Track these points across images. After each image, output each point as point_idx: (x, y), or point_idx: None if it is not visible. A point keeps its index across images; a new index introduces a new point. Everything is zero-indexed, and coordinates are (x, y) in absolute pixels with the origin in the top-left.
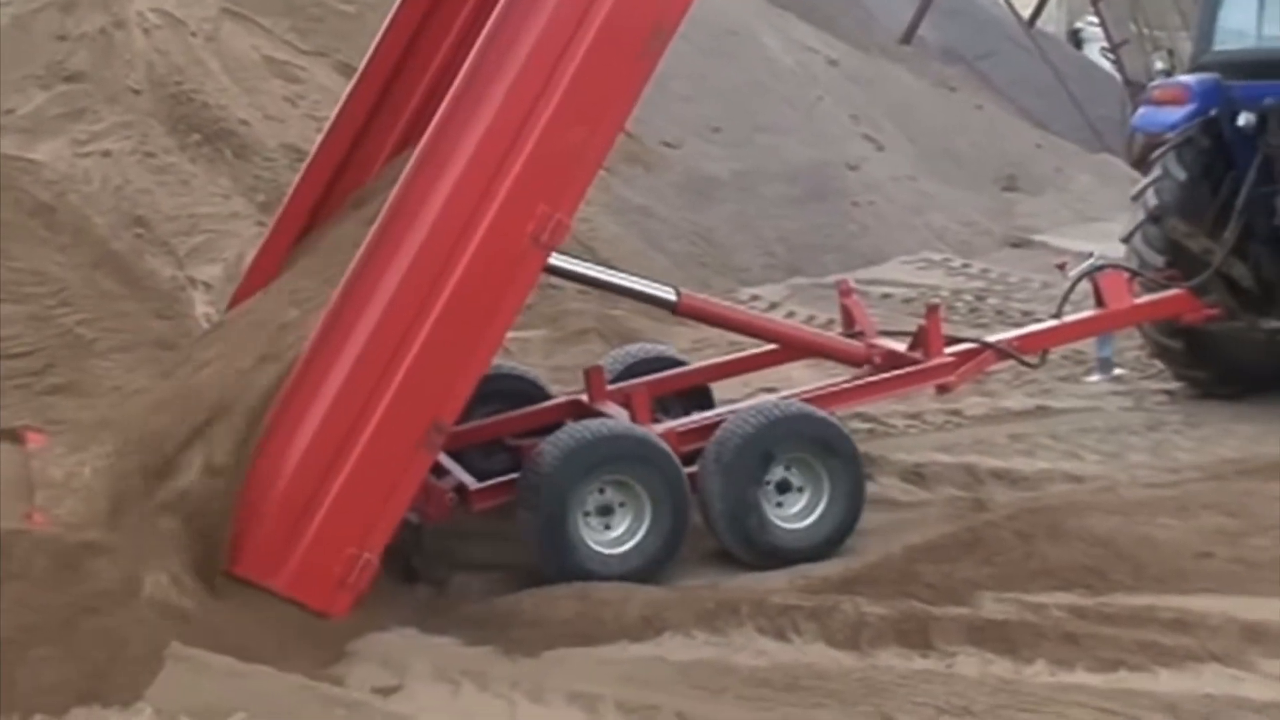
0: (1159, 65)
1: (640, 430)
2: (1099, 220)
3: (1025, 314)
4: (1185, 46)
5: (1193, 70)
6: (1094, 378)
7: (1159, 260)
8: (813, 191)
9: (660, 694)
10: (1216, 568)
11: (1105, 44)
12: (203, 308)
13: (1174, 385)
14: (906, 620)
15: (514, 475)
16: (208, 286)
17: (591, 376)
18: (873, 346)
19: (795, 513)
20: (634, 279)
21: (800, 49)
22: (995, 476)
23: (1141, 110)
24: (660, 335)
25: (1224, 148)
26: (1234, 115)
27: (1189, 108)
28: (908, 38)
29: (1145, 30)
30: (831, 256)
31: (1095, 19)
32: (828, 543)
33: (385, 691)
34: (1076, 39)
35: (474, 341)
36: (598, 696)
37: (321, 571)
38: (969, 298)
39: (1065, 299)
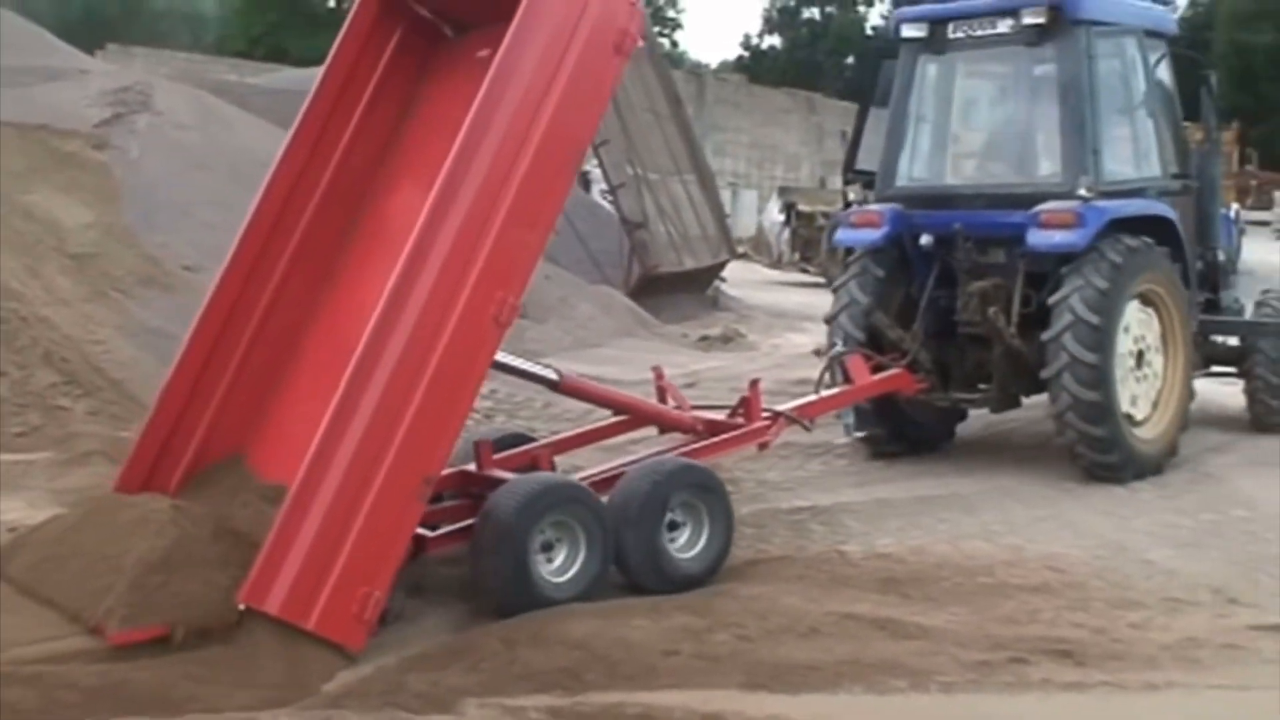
0: (852, 196)
1: (575, 480)
2: (598, 346)
3: (529, 430)
4: (676, 189)
5: (879, 201)
6: (844, 439)
7: (839, 344)
8: None
9: None
10: (681, 664)
11: (605, 186)
12: None
13: None
14: None
15: (465, 524)
16: None
17: (480, 448)
18: (696, 418)
19: (684, 543)
20: (522, 360)
21: None
22: None
23: (840, 231)
24: None
25: (905, 261)
26: (915, 236)
27: (883, 230)
28: None
29: (640, 172)
30: None
31: (598, 163)
32: (712, 566)
33: None
34: (585, 180)
35: (452, 409)
36: None
37: (344, 610)
38: (479, 415)
39: (821, 379)
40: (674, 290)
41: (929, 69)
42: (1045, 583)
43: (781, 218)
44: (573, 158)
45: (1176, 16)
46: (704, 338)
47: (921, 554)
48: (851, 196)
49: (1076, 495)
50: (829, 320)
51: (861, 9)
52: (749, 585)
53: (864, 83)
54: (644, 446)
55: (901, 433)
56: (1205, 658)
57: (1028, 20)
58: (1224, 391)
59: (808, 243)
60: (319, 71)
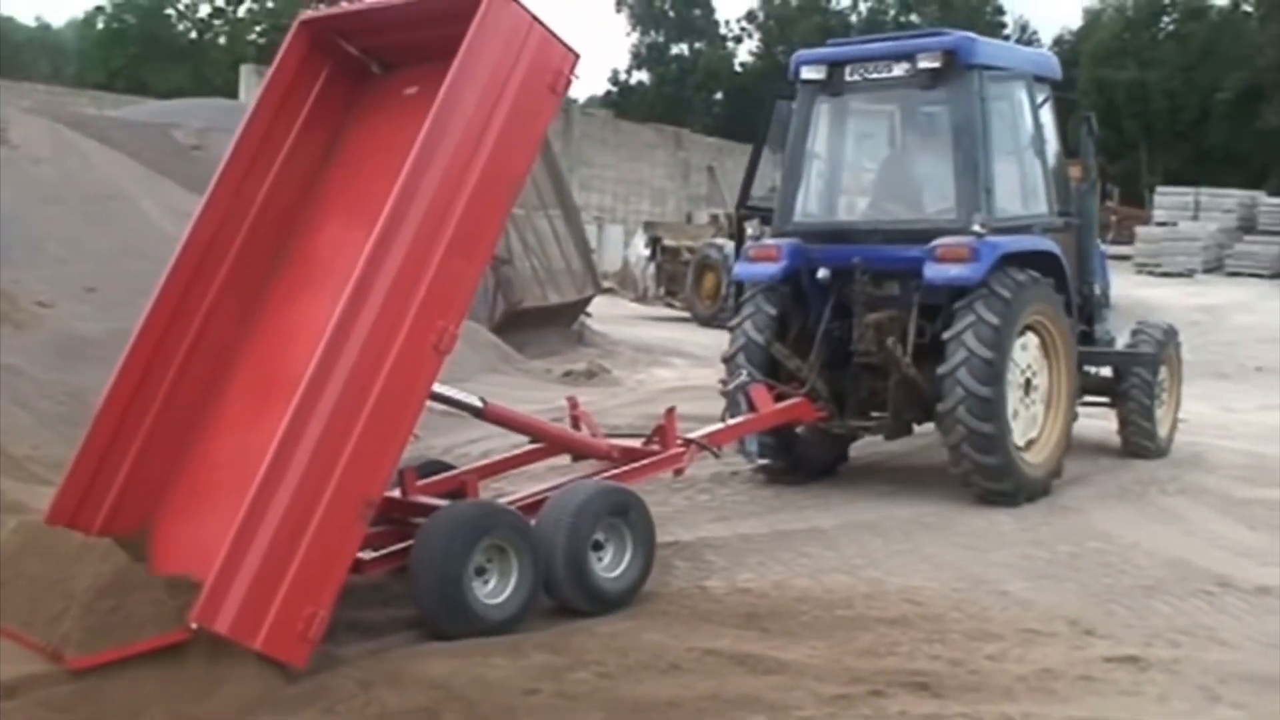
0: (750, 231)
1: (508, 505)
2: (464, 381)
3: None
4: (541, 224)
5: (777, 236)
6: (748, 466)
7: (758, 373)
8: None
9: None
10: (541, 702)
11: None
12: None
13: None
14: None
15: (403, 545)
16: None
17: (406, 475)
18: (613, 445)
19: (608, 564)
20: (448, 388)
21: (178, 215)
22: (348, 628)
23: (740, 265)
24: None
25: (801, 293)
26: (812, 270)
27: (782, 263)
28: None
29: None
30: None
31: None
32: (634, 586)
33: None
34: None
35: (392, 435)
36: None
37: (289, 629)
38: None
39: (728, 409)
40: (539, 325)
41: (827, 109)
42: (903, 615)
43: (647, 252)
44: (509, 192)
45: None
46: (568, 373)
47: (782, 588)
48: (750, 231)
49: (935, 529)
50: (727, 359)
51: (730, 45)
52: (610, 622)
53: (760, 122)
54: (511, 481)
55: (794, 459)
56: (1061, 689)
57: (924, 64)
58: (1082, 424)
59: (673, 277)
60: (176, 103)
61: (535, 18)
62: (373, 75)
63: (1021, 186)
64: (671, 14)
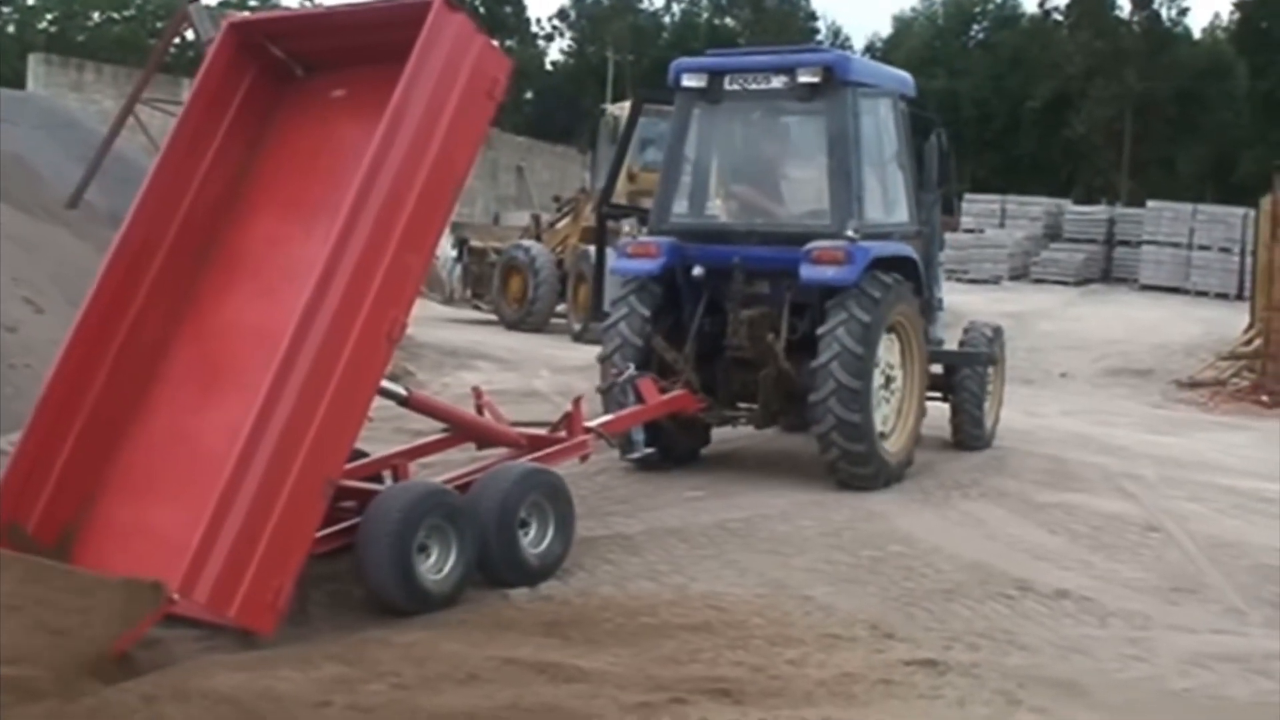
0: (626, 229)
1: (446, 486)
2: None
3: None
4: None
5: (654, 234)
6: (635, 455)
7: (630, 368)
8: None
9: None
10: (334, 715)
11: None
12: None
13: None
14: None
15: (348, 524)
16: None
17: None
18: (521, 433)
19: (533, 539)
20: None
21: None
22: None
23: (617, 260)
24: None
25: (674, 289)
26: (687, 268)
27: (660, 260)
28: (74, 202)
29: None
30: None
31: None
32: (557, 561)
33: None
34: None
35: (350, 418)
36: None
37: (259, 600)
38: None
39: (617, 400)
40: None
41: (705, 116)
42: (707, 621)
43: (454, 253)
44: (452, 190)
45: None
46: None
47: (586, 596)
48: (626, 229)
49: (740, 534)
50: (603, 357)
51: (541, 44)
52: (407, 632)
53: (627, 124)
54: None
55: (664, 448)
56: (860, 693)
57: (803, 78)
58: None
59: (480, 279)
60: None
61: (477, 27)
62: (295, 77)
63: (885, 196)
64: (482, 10)
